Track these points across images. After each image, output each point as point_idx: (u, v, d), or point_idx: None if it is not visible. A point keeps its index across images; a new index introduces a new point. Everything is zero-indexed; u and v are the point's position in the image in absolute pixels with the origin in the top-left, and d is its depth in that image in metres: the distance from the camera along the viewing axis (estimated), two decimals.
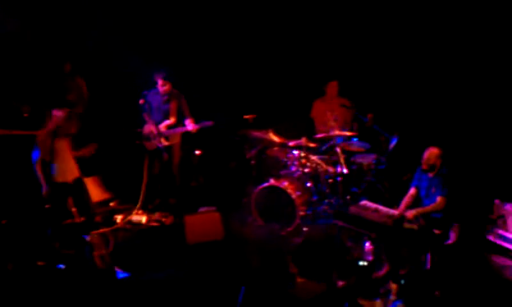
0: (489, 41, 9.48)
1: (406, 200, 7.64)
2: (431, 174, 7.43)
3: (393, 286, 6.56)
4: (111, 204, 9.68)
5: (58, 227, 7.91)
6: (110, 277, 7.28)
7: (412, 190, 7.69)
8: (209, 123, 9.15)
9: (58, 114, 8.01)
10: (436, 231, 7.19)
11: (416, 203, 7.65)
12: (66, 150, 8.07)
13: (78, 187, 8.15)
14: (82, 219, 7.95)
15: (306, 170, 9.15)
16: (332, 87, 9.92)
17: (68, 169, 8.08)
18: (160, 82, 9.18)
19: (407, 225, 7.02)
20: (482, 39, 9.51)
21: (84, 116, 10.30)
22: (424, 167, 7.41)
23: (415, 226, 7.02)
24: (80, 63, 10.53)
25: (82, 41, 10.66)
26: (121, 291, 7.10)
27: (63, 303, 6.64)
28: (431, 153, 7.39)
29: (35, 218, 8.54)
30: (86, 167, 9.13)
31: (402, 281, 6.55)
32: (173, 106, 9.30)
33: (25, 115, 9.78)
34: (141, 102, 9.06)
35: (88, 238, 7.76)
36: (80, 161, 8.29)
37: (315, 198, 9.04)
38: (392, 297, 6.52)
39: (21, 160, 9.31)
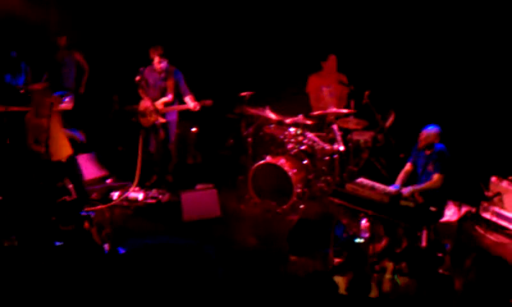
0: (485, 21, 9.44)
1: (402, 176, 7.61)
2: (427, 152, 7.41)
3: (389, 264, 6.58)
4: (108, 181, 9.65)
5: (54, 204, 7.90)
6: (111, 253, 7.29)
7: (408, 166, 7.66)
8: (209, 102, 9.12)
9: (35, 88, 7.86)
10: (432, 209, 7.19)
11: (413, 179, 7.65)
12: (57, 128, 7.90)
13: (71, 165, 8.08)
14: (74, 196, 7.95)
15: (302, 147, 9.14)
16: (331, 62, 9.87)
17: (60, 147, 7.95)
18: (156, 59, 9.12)
19: (403, 202, 7.01)
20: (478, 18, 9.48)
21: (83, 92, 10.28)
22: (422, 144, 7.38)
23: (411, 204, 7.02)
24: (77, 37, 10.50)
25: (78, 15, 10.62)
26: (118, 267, 7.11)
27: (61, 279, 6.64)
28: (430, 131, 7.35)
29: (30, 195, 8.54)
30: (82, 143, 9.13)
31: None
32: (170, 83, 9.25)
33: (21, 91, 9.77)
34: (137, 78, 9.02)
35: (91, 215, 7.78)
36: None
37: (311, 176, 9.05)
38: (387, 275, 6.55)
39: (15, 136, 9.32)
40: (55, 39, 10.33)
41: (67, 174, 8.06)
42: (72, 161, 8.11)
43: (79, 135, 8.20)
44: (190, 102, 9.16)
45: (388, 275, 6.60)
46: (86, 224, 7.50)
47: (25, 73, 10.06)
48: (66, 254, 7.10)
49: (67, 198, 8.10)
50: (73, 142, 8.22)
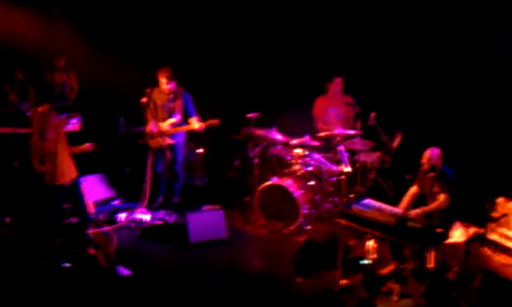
0: (488, 42, 9.47)
1: (407, 198, 7.62)
2: (432, 174, 7.41)
3: (396, 286, 6.56)
4: (115, 202, 9.66)
5: (59, 226, 7.91)
6: (113, 275, 7.28)
7: (414, 189, 7.67)
8: (216, 122, 9.11)
9: (40, 111, 7.84)
10: (439, 230, 7.17)
11: (419, 201, 7.64)
12: (63, 150, 7.76)
13: (74, 188, 7.94)
14: (76, 219, 7.94)
15: (309, 168, 9.16)
16: (337, 84, 9.88)
17: (64, 170, 7.77)
18: (164, 80, 9.14)
19: (410, 224, 7.01)
20: (482, 38, 9.50)
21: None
22: (425, 167, 7.39)
23: (418, 225, 7.01)
24: (80, 59, 10.57)
25: (85, 36, 10.70)
26: (124, 290, 7.10)
27: (67, 301, 6.64)
28: (432, 153, 7.36)
29: (37, 216, 8.57)
30: (90, 165, 9.15)
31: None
32: (178, 104, 9.25)
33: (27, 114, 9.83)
34: (144, 100, 9.03)
35: (92, 237, 7.77)
36: (84, 159, 8.24)
37: (318, 197, 9.04)
38: (394, 297, 6.52)
39: (20, 158, 9.37)
40: (53, 60, 10.36)
41: (70, 197, 8.03)
42: (74, 185, 7.94)
43: (89, 146, 8.11)
44: (195, 123, 9.17)
45: (395, 297, 6.57)
46: (91, 248, 7.51)
47: (29, 96, 10.11)
48: (71, 277, 7.11)
49: (73, 220, 8.11)
50: (84, 160, 8.22)
